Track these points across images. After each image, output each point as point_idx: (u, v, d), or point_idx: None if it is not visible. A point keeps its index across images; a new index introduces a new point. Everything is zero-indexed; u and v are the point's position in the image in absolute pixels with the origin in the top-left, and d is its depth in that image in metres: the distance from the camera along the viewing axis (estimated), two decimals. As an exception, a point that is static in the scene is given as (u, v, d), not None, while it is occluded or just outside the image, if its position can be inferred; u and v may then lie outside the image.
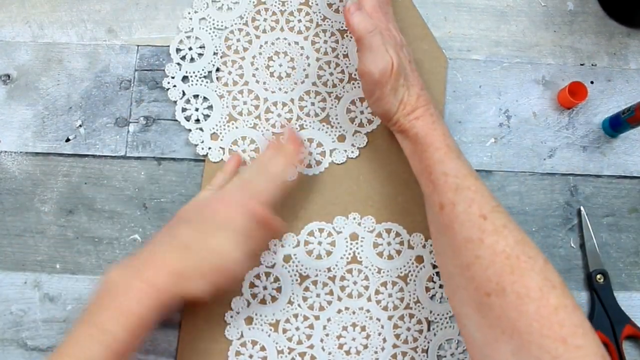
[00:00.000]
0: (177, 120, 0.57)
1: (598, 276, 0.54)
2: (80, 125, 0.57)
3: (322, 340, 0.53)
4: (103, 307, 0.43)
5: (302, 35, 0.59)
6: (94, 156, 0.56)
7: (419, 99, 0.49)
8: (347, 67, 0.58)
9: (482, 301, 0.40)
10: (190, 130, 0.56)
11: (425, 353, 0.53)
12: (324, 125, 0.57)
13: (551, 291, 0.39)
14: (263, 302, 0.53)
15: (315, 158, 0.56)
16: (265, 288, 0.53)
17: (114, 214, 0.55)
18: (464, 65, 0.59)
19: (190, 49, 0.58)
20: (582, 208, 0.56)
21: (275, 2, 0.59)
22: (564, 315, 0.38)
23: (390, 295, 0.53)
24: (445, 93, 0.58)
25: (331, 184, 0.56)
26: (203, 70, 0.58)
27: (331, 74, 0.58)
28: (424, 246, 0.55)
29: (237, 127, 0.57)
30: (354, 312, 0.53)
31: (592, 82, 0.59)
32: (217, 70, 0.58)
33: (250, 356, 0.52)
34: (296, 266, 0.54)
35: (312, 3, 0.59)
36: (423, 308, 0.53)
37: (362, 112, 0.57)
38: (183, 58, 0.58)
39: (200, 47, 0.58)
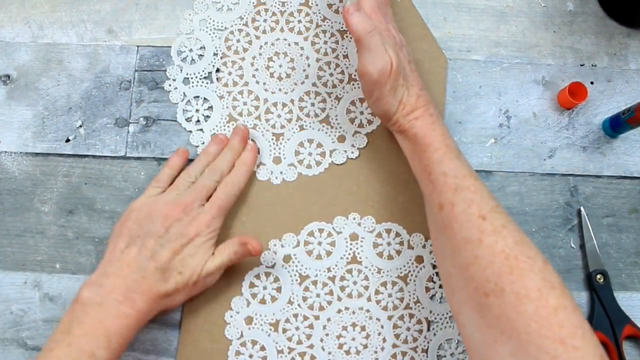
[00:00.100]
0: (177, 121, 0.57)
1: (598, 276, 0.54)
2: (80, 126, 0.57)
3: (322, 340, 0.53)
4: (84, 329, 0.43)
5: (302, 35, 0.59)
6: (94, 156, 0.56)
7: (418, 99, 0.49)
8: (347, 67, 0.58)
9: (481, 301, 0.40)
10: (190, 131, 0.57)
11: (425, 353, 0.53)
12: (323, 126, 0.57)
13: (550, 292, 0.39)
14: (263, 302, 0.53)
15: (315, 159, 0.56)
16: (265, 288, 0.53)
17: (114, 214, 0.55)
18: (463, 65, 0.59)
19: (190, 50, 0.58)
20: (582, 208, 0.56)
21: (275, 2, 0.59)
22: (562, 316, 0.38)
23: (390, 295, 0.54)
24: (445, 93, 0.58)
25: (331, 185, 0.56)
26: (203, 71, 0.58)
27: (331, 74, 0.58)
28: (423, 246, 0.55)
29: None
30: (353, 312, 0.53)
31: (592, 83, 0.59)
32: (217, 71, 0.58)
33: (250, 356, 0.52)
34: (296, 266, 0.54)
35: (312, 4, 0.59)
36: (423, 308, 0.53)
37: (362, 113, 0.57)
38: (184, 60, 0.58)
39: (201, 48, 0.58)
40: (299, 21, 0.59)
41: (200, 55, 0.58)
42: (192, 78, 0.58)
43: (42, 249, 0.54)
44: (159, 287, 0.47)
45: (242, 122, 0.57)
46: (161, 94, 0.58)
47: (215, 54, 0.58)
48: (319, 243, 0.54)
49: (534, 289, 0.39)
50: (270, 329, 0.53)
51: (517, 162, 0.57)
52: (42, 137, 0.57)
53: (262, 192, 0.55)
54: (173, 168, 0.54)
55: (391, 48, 0.47)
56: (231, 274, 0.53)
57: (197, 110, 0.57)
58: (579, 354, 0.36)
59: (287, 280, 0.54)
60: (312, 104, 0.57)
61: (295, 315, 0.53)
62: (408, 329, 0.53)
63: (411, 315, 0.53)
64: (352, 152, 0.56)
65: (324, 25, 0.59)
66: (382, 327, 0.53)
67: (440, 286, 0.54)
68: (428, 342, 0.53)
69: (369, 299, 0.53)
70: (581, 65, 0.60)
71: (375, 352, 0.53)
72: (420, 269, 0.54)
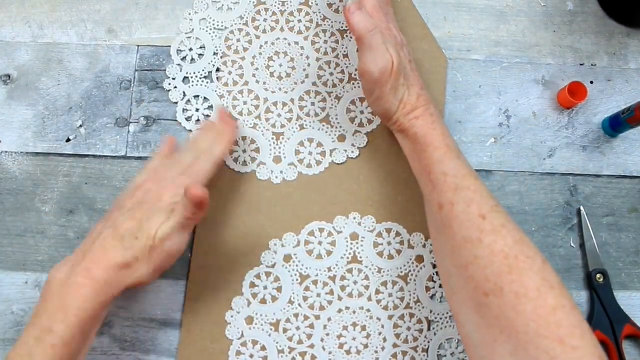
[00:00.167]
0: (177, 121, 0.57)
1: (598, 276, 0.54)
2: (80, 126, 0.57)
3: (322, 340, 0.53)
4: (48, 308, 0.42)
5: (302, 35, 0.59)
6: (94, 156, 0.56)
7: (419, 99, 0.49)
8: (347, 67, 0.58)
9: (481, 301, 0.40)
10: (191, 131, 0.57)
11: (425, 352, 0.53)
12: (324, 125, 0.57)
13: (549, 291, 0.39)
14: (263, 301, 0.53)
15: (316, 158, 0.56)
16: (265, 288, 0.53)
17: (114, 214, 0.55)
18: (464, 65, 0.59)
19: (190, 50, 0.58)
20: (582, 208, 0.56)
21: (276, 2, 0.59)
22: (561, 316, 0.38)
23: (390, 295, 0.54)
24: (445, 93, 0.58)
25: (331, 184, 0.56)
26: (204, 70, 0.58)
27: (331, 74, 0.58)
28: (424, 246, 0.55)
29: (237, 127, 0.57)
30: (354, 312, 0.53)
31: (592, 82, 0.59)
32: (218, 70, 0.58)
33: (251, 356, 0.52)
34: (297, 266, 0.54)
35: (312, 3, 0.59)
36: (423, 308, 0.53)
37: (362, 112, 0.57)
38: (184, 59, 0.58)
39: (201, 48, 0.58)
40: (299, 21, 0.59)
41: (201, 54, 0.58)
42: (192, 77, 0.58)
43: (43, 249, 0.54)
44: (116, 255, 0.44)
45: (242, 121, 0.57)
46: (161, 93, 0.58)
47: (215, 54, 0.58)
48: (320, 243, 0.54)
49: (533, 288, 0.39)
50: (271, 329, 0.53)
51: (517, 161, 0.57)
52: (42, 137, 0.57)
53: (262, 191, 0.55)
54: (163, 154, 0.53)
55: (392, 47, 0.47)
56: (231, 274, 0.53)
57: (197, 110, 0.57)
58: (578, 354, 0.36)
59: (287, 280, 0.54)
60: (313, 104, 0.57)
61: (296, 315, 0.53)
62: (408, 328, 0.53)
63: (412, 315, 0.53)
64: (353, 152, 0.56)
65: (324, 24, 0.59)
66: (382, 326, 0.53)
67: (441, 286, 0.54)
68: (428, 342, 0.53)
69: (369, 299, 0.53)
70: (581, 64, 0.60)
71: (376, 352, 0.53)
72: (421, 268, 0.54)
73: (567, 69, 0.60)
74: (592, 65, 0.60)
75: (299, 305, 0.53)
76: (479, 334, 0.41)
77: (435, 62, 0.59)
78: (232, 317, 0.53)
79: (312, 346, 0.53)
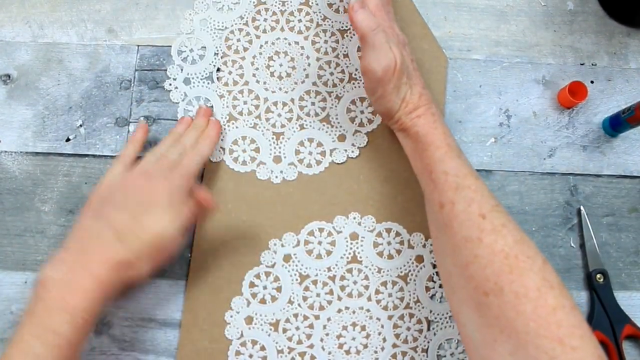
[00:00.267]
0: (177, 120, 0.57)
1: (598, 276, 0.54)
2: (80, 125, 0.57)
3: (322, 340, 0.53)
4: (46, 307, 0.42)
5: (303, 35, 0.59)
6: (94, 156, 0.56)
7: (421, 98, 0.49)
8: (347, 66, 0.58)
9: (481, 300, 0.40)
10: (190, 130, 0.57)
11: (425, 353, 0.53)
12: (324, 125, 0.57)
13: (549, 291, 0.39)
14: (263, 301, 0.53)
15: (316, 158, 0.56)
16: (265, 288, 0.53)
17: (114, 214, 0.55)
18: (464, 65, 0.59)
19: (191, 50, 0.58)
20: (582, 208, 0.56)
21: (276, 2, 0.59)
22: (561, 316, 0.38)
23: (390, 295, 0.54)
24: (445, 93, 0.58)
25: (331, 184, 0.56)
26: (204, 71, 0.58)
27: (331, 73, 0.58)
28: (424, 246, 0.55)
29: (237, 127, 0.57)
30: (354, 312, 0.53)
31: (592, 82, 0.59)
32: (218, 70, 0.58)
33: (250, 356, 0.52)
34: (296, 266, 0.54)
35: (312, 3, 0.59)
36: (423, 308, 0.53)
37: (362, 112, 0.57)
38: (184, 60, 0.58)
39: (202, 48, 0.58)
40: (299, 20, 0.59)
41: (201, 55, 0.58)
42: (193, 78, 0.58)
43: (43, 249, 0.54)
44: (117, 253, 0.44)
45: (243, 121, 0.57)
46: (161, 93, 0.58)
47: (215, 54, 0.58)
48: (319, 242, 0.54)
49: (533, 288, 0.39)
50: (271, 329, 0.53)
51: (517, 161, 0.57)
52: (42, 136, 0.57)
53: (262, 191, 0.55)
54: (136, 144, 0.53)
55: (395, 46, 0.47)
56: (231, 274, 0.53)
57: (197, 110, 0.57)
58: (578, 354, 0.36)
59: (287, 279, 0.54)
60: (313, 103, 0.57)
61: (296, 315, 0.53)
62: (408, 328, 0.53)
63: (411, 315, 0.53)
64: (353, 151, 0.56)
65: (324, 24, 0.59)
66: (382, 326, 0.53)
67: (440, 286, 0.54)
68: (428, 342, 0.53)
69: (369, 299, 0.53)
70: (581, 64, 0.60)
71: (376, 352, 0.53)
72: (421, 268, 0.54)
73: (568, 68, 0.59)
74: (592, 64, 0.60)
75: (299, 305, 0.53)
76: (479, 334, 0.41)
77: (436, 62, 0.59)
78: (231, 317, 0.53)
79: (311, 346, 0.52)
